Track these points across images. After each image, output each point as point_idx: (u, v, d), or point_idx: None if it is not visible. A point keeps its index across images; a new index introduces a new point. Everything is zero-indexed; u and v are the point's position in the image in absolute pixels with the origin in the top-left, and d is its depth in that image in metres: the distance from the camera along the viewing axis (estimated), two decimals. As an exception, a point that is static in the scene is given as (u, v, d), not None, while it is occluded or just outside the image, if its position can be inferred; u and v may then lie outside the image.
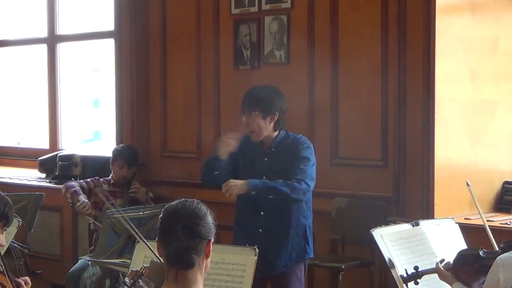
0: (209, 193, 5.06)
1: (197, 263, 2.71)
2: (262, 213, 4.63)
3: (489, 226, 3.94)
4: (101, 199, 5.81)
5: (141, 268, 2.84)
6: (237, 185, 4.52)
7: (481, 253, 3.29)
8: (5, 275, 3.66)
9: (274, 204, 4.60)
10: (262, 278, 4.59)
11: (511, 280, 2.85)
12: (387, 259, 3.66)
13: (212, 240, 2.76)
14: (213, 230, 2.76)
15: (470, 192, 4.04)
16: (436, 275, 3.52)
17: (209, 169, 4.71)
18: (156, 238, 2.76)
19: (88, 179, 6.07)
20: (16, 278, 3.69)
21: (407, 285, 3.56)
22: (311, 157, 4.63)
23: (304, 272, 4.82)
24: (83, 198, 5.80)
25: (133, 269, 2.87)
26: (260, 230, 4.66)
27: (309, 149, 4.65)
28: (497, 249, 3.40)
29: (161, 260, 2.80)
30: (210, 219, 2.76)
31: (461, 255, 3.40)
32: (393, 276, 3.69)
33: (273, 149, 4.67)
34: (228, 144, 4.65)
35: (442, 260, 3.56)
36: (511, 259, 2.89)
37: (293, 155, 4.60)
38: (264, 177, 4.59)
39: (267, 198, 4.56)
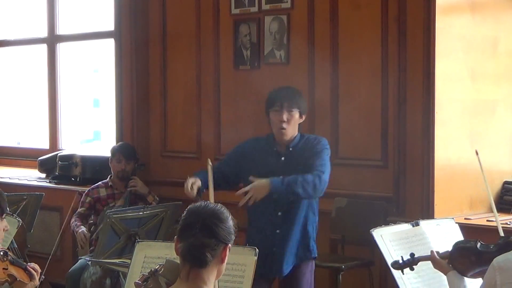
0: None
1: (210, 264, 2.70)
2: (279, 213, 4.52)
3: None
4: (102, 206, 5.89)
5: (158, 266, 2.84)
6: (258, 190, 4.38)
7: (478, 246, 3.39)
8: (16, 266, 3.65)
9: (291, 203, 4.53)
10: (268, 278, 4.61)
11: (508, 284, 2.87)
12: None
13: (230, 245, 2.74)
14: (232, 236, 2.75)
15: (479, 160, 4.19)
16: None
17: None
18: (175, 236, 2.76)
19: (83, 198, 6.05)
20: (27, 266, 3.68)
21: (403, 271, 3.63)
22: (327, 152, 4.58)
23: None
24: (82, 228, 5.77)
25: (144, 274, 2.87)
26: (278, 231, 4.55)
27: (326, 149, 4.59)
28: (494, 244, 3.43)
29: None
30: (231, 224, 2.75)
31: (459, 247, 3.48)
32: (393, 276, 3.70)
33: (290, 149, 4.60)
34: (191, 193, 4.56)
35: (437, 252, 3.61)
36: (506, 262, 2.91)
37: (312, 152, 4.54)
38: (281, 177, 4.45)
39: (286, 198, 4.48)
